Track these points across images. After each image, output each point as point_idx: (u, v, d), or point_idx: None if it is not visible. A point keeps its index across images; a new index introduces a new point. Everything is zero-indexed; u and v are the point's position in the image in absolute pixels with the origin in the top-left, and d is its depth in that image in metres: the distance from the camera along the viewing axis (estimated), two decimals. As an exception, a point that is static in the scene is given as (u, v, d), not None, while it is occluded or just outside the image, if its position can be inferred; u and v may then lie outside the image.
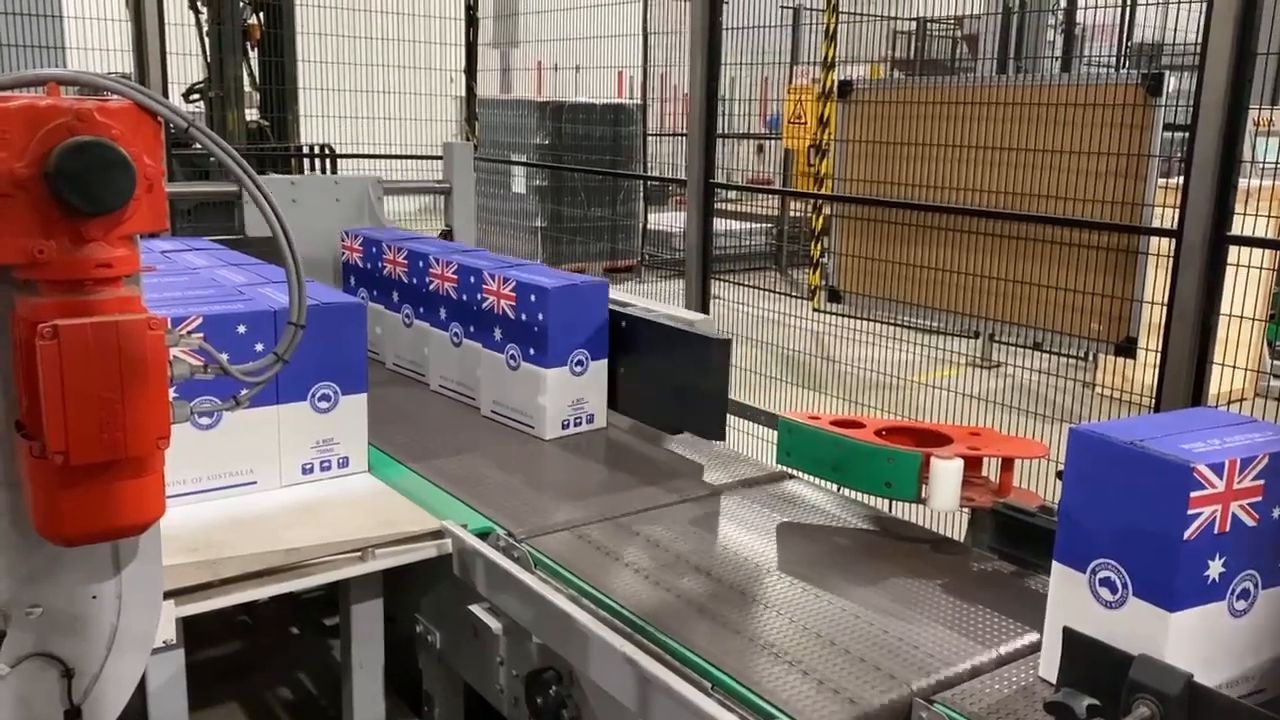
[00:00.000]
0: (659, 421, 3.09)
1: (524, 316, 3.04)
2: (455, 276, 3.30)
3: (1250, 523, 1.66)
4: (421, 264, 3.47)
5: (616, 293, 3.27)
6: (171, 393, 1.59)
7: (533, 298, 3.01)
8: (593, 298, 3.09)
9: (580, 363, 3.04)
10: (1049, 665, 1.80)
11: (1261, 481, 1.65)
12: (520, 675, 2.19)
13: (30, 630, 1.64)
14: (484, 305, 3.18)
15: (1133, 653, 1.58)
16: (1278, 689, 1.77)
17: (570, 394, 3.05)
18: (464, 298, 3.27)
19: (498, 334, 3.14)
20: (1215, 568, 1.65)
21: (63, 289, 1.49)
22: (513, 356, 3.10)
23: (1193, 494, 1.59)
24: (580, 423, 3.08)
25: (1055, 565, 1.78)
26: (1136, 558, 1.66)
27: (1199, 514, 1.60)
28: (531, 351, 3.04)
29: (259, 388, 1.77)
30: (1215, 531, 1.63)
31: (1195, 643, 1.65)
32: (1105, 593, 1.71)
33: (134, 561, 1.70)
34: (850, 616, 2.05)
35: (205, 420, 2.46)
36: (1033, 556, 2.28)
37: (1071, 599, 1.75)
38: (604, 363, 3.09)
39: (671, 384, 2.99)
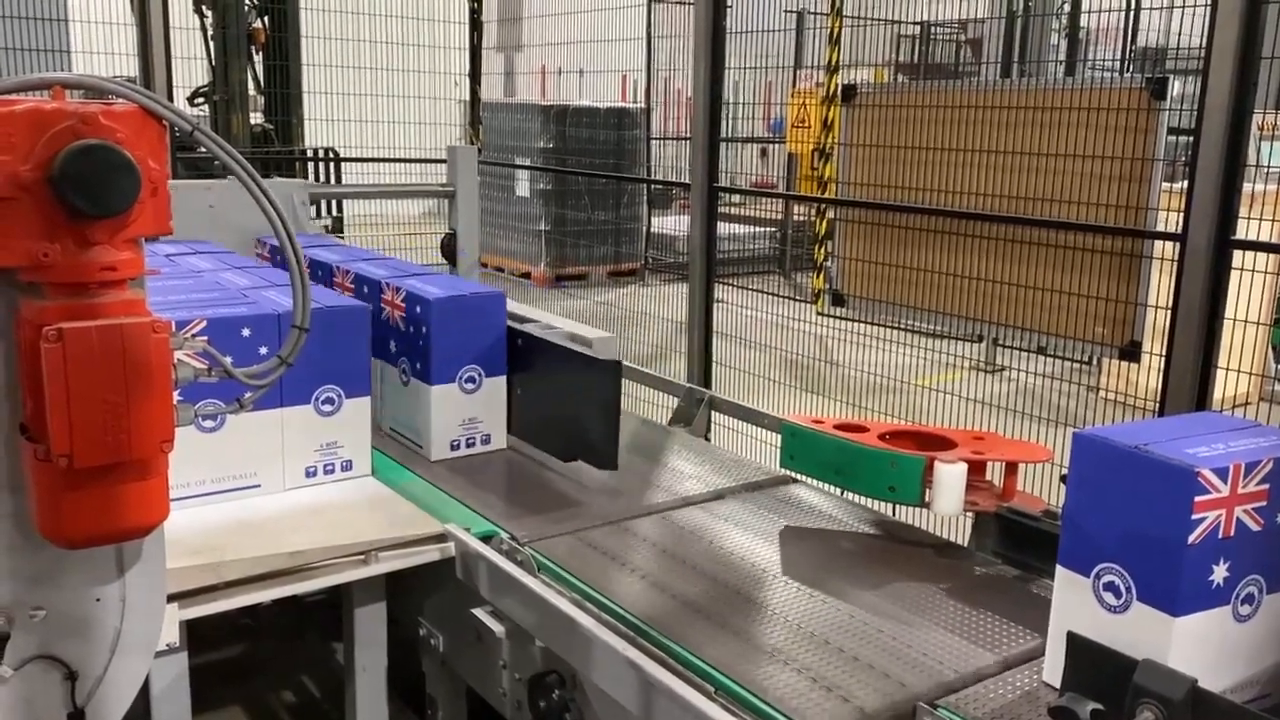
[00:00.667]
0: (550, 447, 2.86)
1: (411, 329, 2.86)
2: (353, 286, 3.13)
3: (1255, 527, 1.65)
4: (322, 273, 3.30)
5: (566, 302, 3.15)
6: (175, 396, 1.60)
7: (418, 309, 2.81)
8: (486, 310, 2.86)
9: (472, 379, 2.83)
10: (1053, 670, 1.80)
11: (1266, 486, 1.65)
12: (523, 679, 2.19)
13: (34, 633, 1.64)
14: (382, 316, 2.97)
15: (1137, 658, 1.58)
16: (1283, 694, 1.77)
17: (460, 413, 2.85)
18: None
19: (392, 347, 2.96)
20: (1219, 572, 1.65)
21: (67, 292, 1.50)
22: (404, 371, 2.92)
23: (1197, 498, 1.58)
24: (474, 443, 2.88)
25: (1059, 570, 1.78)
26: (1140, 562, 1.66)
27: (1203, 518, 1.59)
28: (418, 366, 2.85)
29: (263, 391, 1.78)
30: (1219, 536, 1.62)
31: (1199, 648, 1.64)
32: (1109, 597, 1.70)
33: (137, 564, 1.71)
34: (854, 621, 2.04)
35: (209, 423, 2.45)
36: (1037, 561, 2.27)
37: (1075, 603, 1.74)
38: (502, 380, 2.89)
39: (563, 408, 2.81)
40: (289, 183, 4.54)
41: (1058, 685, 1.74)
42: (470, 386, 2.84)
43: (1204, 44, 3.18)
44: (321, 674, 3.42)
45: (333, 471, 2.66)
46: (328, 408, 2.62)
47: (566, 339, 2.87)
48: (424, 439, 2.87)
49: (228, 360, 1.72)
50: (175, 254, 3.34)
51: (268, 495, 2.56)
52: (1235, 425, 1.81)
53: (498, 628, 2.24)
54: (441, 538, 2.37)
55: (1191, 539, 1.59)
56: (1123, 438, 1.69)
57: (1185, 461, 1.60)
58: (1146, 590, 1.65)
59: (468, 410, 2.86)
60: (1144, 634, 1.64)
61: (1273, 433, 1.79)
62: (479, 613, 2.28)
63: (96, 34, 7.12)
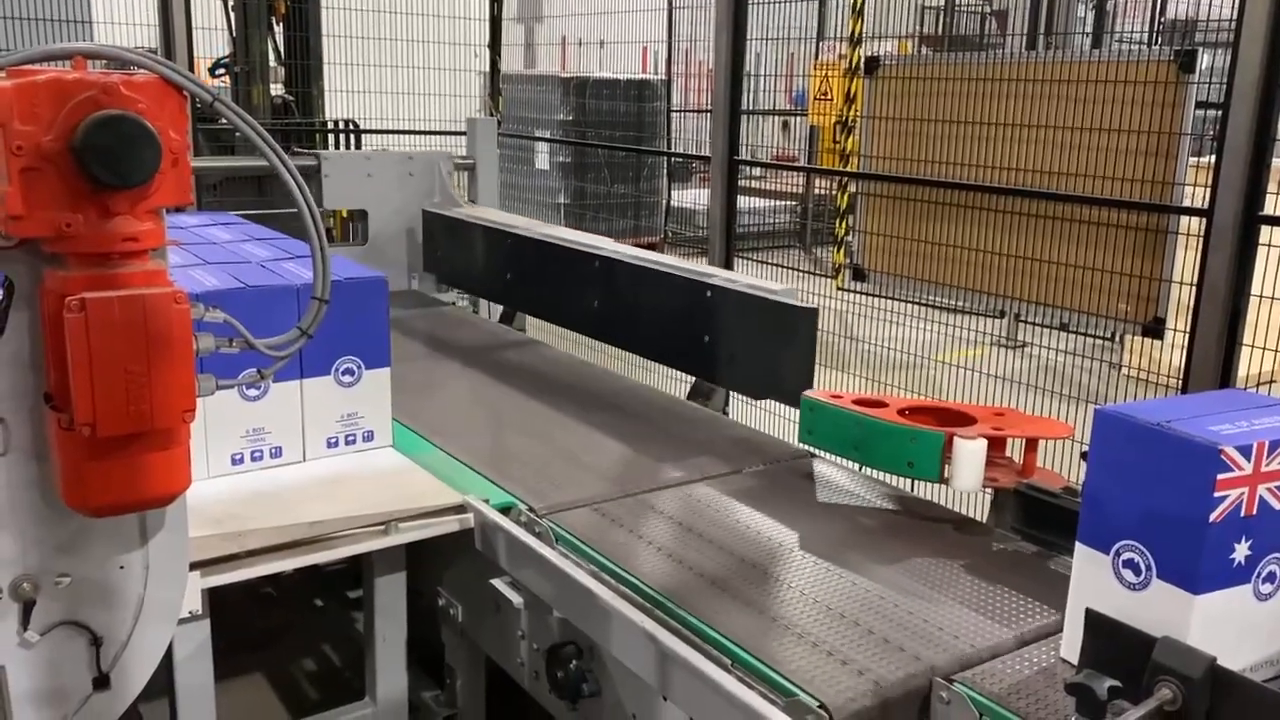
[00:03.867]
0: (741, 386, 3.18)
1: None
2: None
3: (1277, 506, 1.64)
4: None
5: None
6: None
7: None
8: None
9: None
10: (1070, 647, 1.80)
11: None
12: (541, 649, 2.20)
13: (59, 599, 1.66)
14: None
15: (1156, 635, 1.57)
16: (1304, 674, 1.76)
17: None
18: None
19: None
20: (1241, 551, 1.63)
21: (90, 262, 1.50)
22: None
23: (1219, 476, 1.57)
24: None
25: (1078, 546, 1.77)
26: (1161, 540, 1.65)
27: (1225, 496, 1.58)
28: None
29: (283, 362, 1.78)
30: (1241, 514, 1.61)
31: (1219, 626, 1.63)
32: (1129, 574, 1.69)
33: (161, 533, 1.72)
34: (872, 596, 2.05)
35: (253, 392, 2.47)
36: (1056, 538, 2.26)
37: (1094, 580, 1.74)
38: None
39: (757, 352, 2.99)
40: (434, 154, 4.75)
41: (1075, 662, 1.74)
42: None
43: (1235, 16, 3.12)
44: (341, 643, 3.46)
45: (354, 442, 2.68)
46: (348, 379, 2.64)
47: (753, 290, 2.99)
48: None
49: (248, 331, 1.73)
50: (197, 225, 3.35)
51: (289, 465, 2.58)
52: (1260, 403, 1.79)
53: (516, 598, 2.25)
54: (461, 509, 2.38)
55: (1213, 517, 1.58)
56: (1145, 414, 1.67)
57: (1208, 439, 1.58)
58: (1166, 568, 1.64)
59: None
60: (1163, 612, 1.63)
61: (1270, 403, 1.77)
62: (498, 583, 2.30)
63: (117, 4, 7.12)
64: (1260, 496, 1.62)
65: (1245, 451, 1.58)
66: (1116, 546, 1.71)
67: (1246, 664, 1.69)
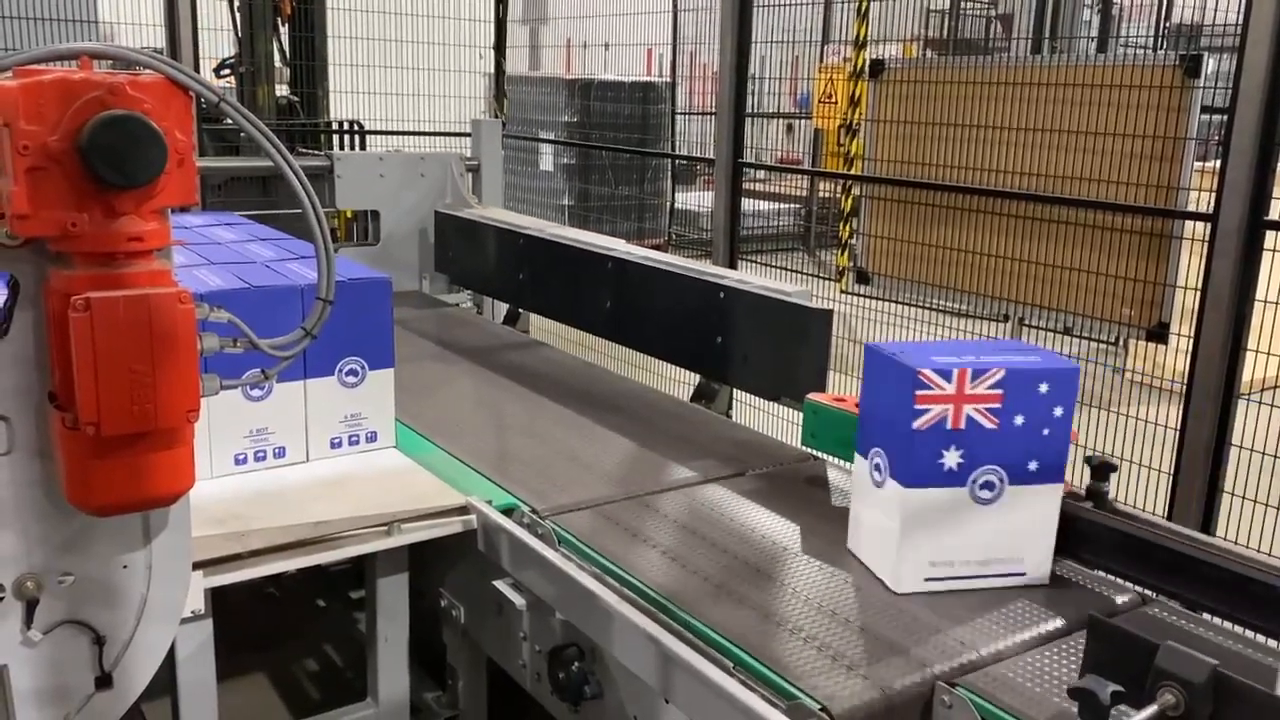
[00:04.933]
0: (753, 387, 3.20)
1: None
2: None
3: (988, 425, 2.00)
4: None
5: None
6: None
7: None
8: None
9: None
10: (854, 540, 2.23)
11: (1000, 392, 1.98)
12: (543, 651, 2.20)
13: (62, 598, 1.67)
14: None
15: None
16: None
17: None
18: None
19: None
20: (952, 457, 2.00)
21: (95, 262, 1.51)
22: None
23: (918, 392, 1.95)
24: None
25: (856, 456, 2.19)
26: (890, 445, 2.05)
27: (927, 410, 1.97)
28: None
29: (287, 363, 1.79)
30: (948, 426, 1.98)
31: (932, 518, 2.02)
32: (875, 474, 2.11)
33: (164, 532, 1.73)
34: (874, 598, 2.04)
35: (257, 393, 2.48)
36: (1059, 542, 2.26)
37: (861, 482, 2.18)
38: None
39: (770, 353, 3.02)
40: (446, 154, 4.81)
41: (853, 550, 2.22)
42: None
43: (1241, 20, 3.12)
44: (344, 643, 3.46)
45: (357, 443, 2.68)
46: (352, 379, 2.64)
47: (766, 291, 3.00)
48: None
49: (252, 331, 1.73)
50: (202, 225, 3.36)
51: (292, 465, 2.58)
52: (1008, 348, 2.16)
53: (518, 600, 2.25)
54: (464, 510, 2.38)
55: (917, 425, 1.97)
56: (893, 349, 2.06)
57: (913, 363, 1.96)
58: (894, 469, 2.04)
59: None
60: (892, 505, 2.03)
61: (1032, 350, 2.13)
62: (500, 585, 2.30)
63: (124, 4, 7.13)
64: (967, 414, 1.98)
65: (945, 374, 1.95)
66: (871, 452, 2.12)
67: (954, 558, 2.06)
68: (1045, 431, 2.03)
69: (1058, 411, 2.03)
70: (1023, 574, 2.09)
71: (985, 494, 2.04)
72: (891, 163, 4.58)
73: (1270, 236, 3.20)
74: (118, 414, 1.50)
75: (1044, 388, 2.02)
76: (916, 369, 1.94)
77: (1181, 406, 3.40)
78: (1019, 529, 2.06)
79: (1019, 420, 2.01)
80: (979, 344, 2.27)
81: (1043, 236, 4.02)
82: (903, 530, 2.03)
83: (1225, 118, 3.22)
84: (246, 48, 6.21)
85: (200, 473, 1.76)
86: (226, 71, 6.37)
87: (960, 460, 2.00)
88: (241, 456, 2.52)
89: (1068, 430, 2.06)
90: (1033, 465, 2.04)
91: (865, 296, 5.16)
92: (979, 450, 2.00)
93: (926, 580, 2.07)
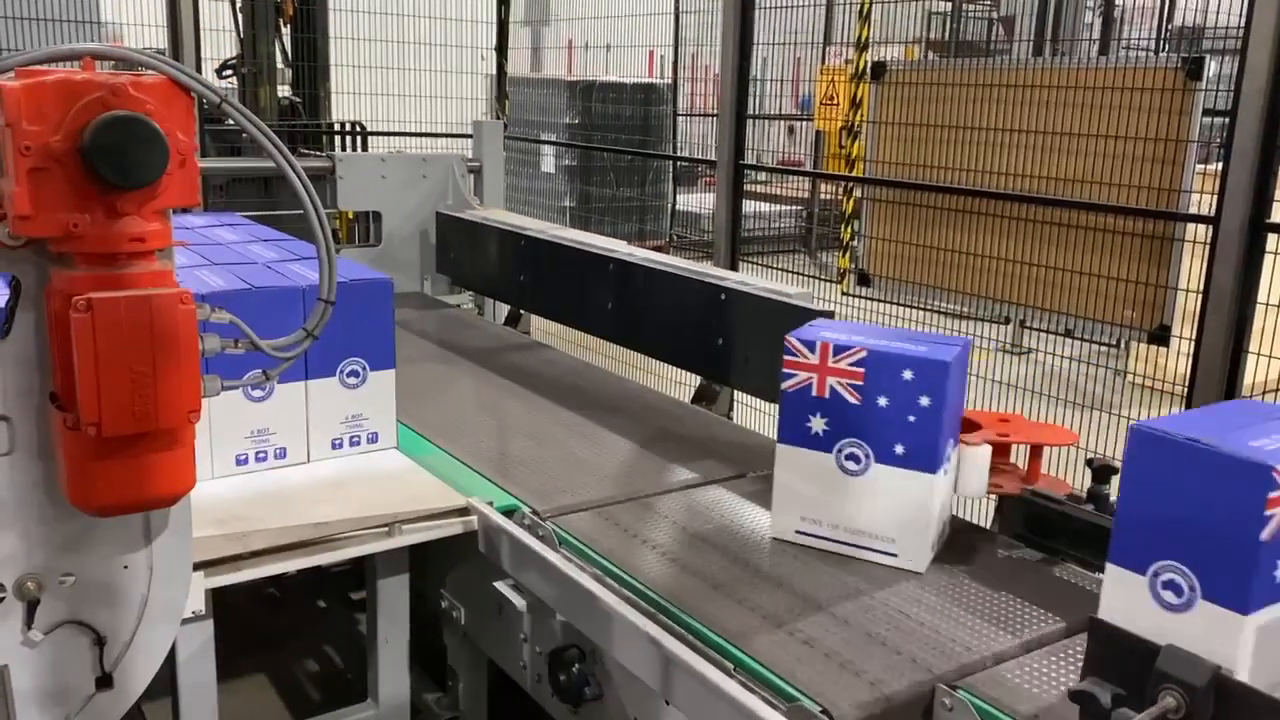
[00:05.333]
0: (756, 390, 3.13)
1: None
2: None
3: (852, 400, 2.02)
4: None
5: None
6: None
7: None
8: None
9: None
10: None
11: (861, 370, 2.00)
12: (544, 652, 2.20)
13: (63, 599, 1.67)
14: None
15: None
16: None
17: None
18: None
19: None
20: (818, 424, 2.05)
21: (96, 262, 1.51)
22: None
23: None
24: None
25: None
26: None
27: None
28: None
29: (289, 363, 1.79)
30: (813, 394, 2.01)
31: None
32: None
33: (165, 533, 1.73)
34: (875, 601, 2.04)
35: (258, 393, 2.49)
36: (1060, 545, 2.26)
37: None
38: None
39: (771, 355, 2.94)
40: (448, 155, 4.81)
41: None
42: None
43: (1243, 23, 3.12)
44: (344, 644, 3.46)
45: (358, 444, 2.68)
46: (353, 380, 2.64)
47: (767, 293, 2.98)
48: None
49: (253, 332, 1.73)
50: (204, 226, 3.36)
51: (293, 466, 2.59)
52: (908, 336, 2.13)
53: (519, 601, 2.25)
54: (464, 511, 2.38)
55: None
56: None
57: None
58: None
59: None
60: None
61: (935, 340, 2.06)
62: (501, 586, 2.30)
63: (126, 5, 7.14)
64: (830, 385, 2.02)
65: (809, 345, 1.96)
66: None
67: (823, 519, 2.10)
68: (911, 418, 2.10)
69: (924, 400, 2.09)
70: (894, 555, 2.18)
71: (851, 465, 2.18)
72: (893, 165, 4.58)
73: (1272, 239, 3.20)
74: (119, 414, 1.50)
75: (908, 374, 2.08)
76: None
77: (1183, 409, 3.40)
78: (888, 509, 2.15)
79: (882, 401, 2.12)
80: (891, 331, 2.43)
81: (1044, 239, 4.02)
82: (777, 482, 2.26)
83: (1227, 120, 3.22)
84: (248, 49, 6.22)
85: (201, 473, 1.76)
86: (229, 72, 6.38)
87: (825, 427, 2.16)
88: (242, 457, 2.52)
89: (938, 421, 2.09)
90: (899, 449, 2.12)
91: (866, 299, 5.16)
92: (842, 422, 2.14)
93: (797, 533, 2.27)
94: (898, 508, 2.15)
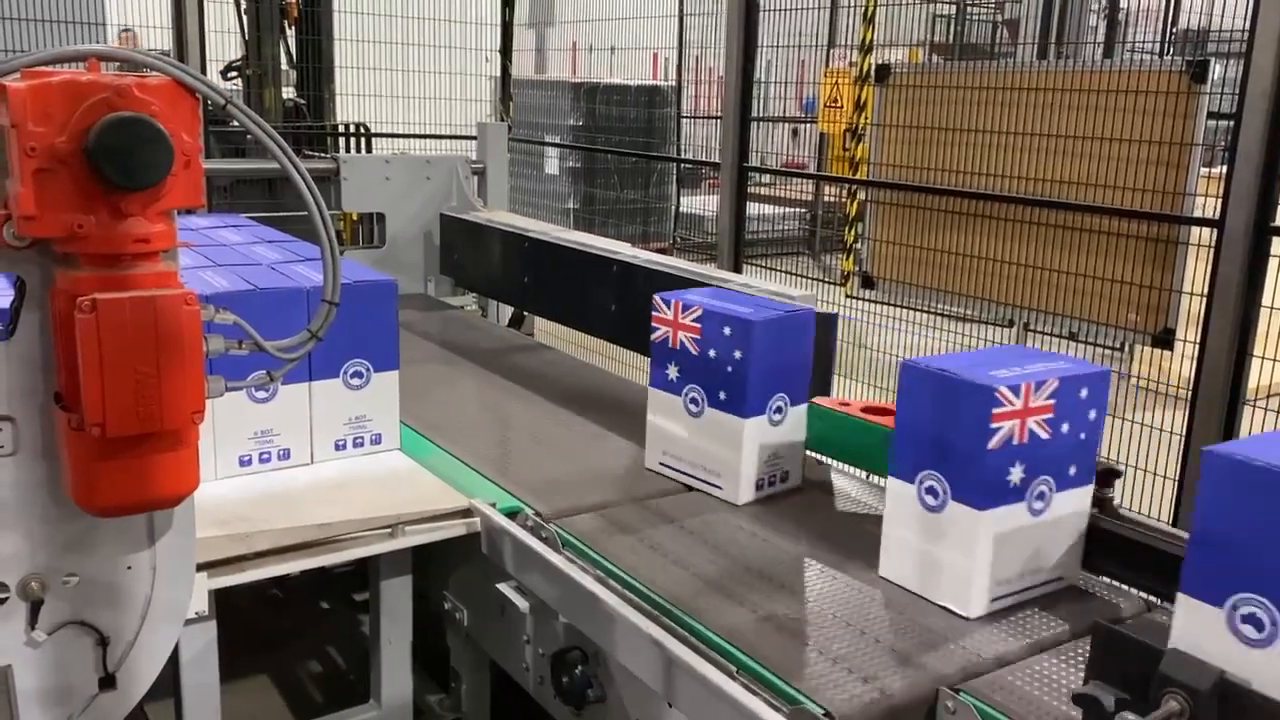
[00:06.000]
0: None
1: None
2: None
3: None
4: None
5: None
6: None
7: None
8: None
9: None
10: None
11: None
12: (546, 654, 2.20)
13: (66, 599, 1.67)
14: None
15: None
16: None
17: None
18: None
19: None
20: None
21: (101, 263, 1.51)
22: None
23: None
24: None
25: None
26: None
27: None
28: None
29: (293, 364, 1.79)
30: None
31: None
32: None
33: (168, 533, 1.73)
34: (877, 604, 2.04)
35: (262, 394, 2.49)
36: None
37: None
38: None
39: None
40: (452, 157, 4.82)
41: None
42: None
43: (1247, 26, 3.11)
44: (347, 645, 3.46)
45: (361, 445, 2.68)
46: (356, 381, 2.64)
47: (771, 295, 2.92)
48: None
49: (257, 333, 1.74)
50: (208, 227, 3.36)
51: (297, 467, 2.59)
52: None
53: (522, 603, 2.25)
54: (467, 513, 2.38)
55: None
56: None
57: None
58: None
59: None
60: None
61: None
62: (504, 588, 2.30)
63: (131, 7, 7.16)
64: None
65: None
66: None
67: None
68: (729, 369, 2.40)
69: (737, 354, 2.39)
70: (720, 488, 2.48)
71: (693, 407, 2.50)
72: (897, 167, 4.58)
73: (1276, 242, 3.20)
74: (123, 415, 1.51)
75: (727, 330, 2.39)
76: (656, 296, 2.04)
77: (1187, 412, 3.39)
78: (716, 446, 2.47)
79: (711, 353, 2.43)
80: (753, 299, 2.61)
81: (1048, 241, 4.02)
82: (649, 420, 2.57)
83: (1232, 123, 3.22)
84: (253, 50, 6.24)
85: (205, 474, 1.76)
86: (233, 74, 6.39)
87: (677, 374, 2.48)
88: (246, 458, 2.52)
89: (745, 372, 2.37)
90: (721, 395, 2.43)
91: (870, 301, 5.16)
92: (688, 370, 2.42)
93: (660, 464, 2.56)
94: (722, 445, 2.45)
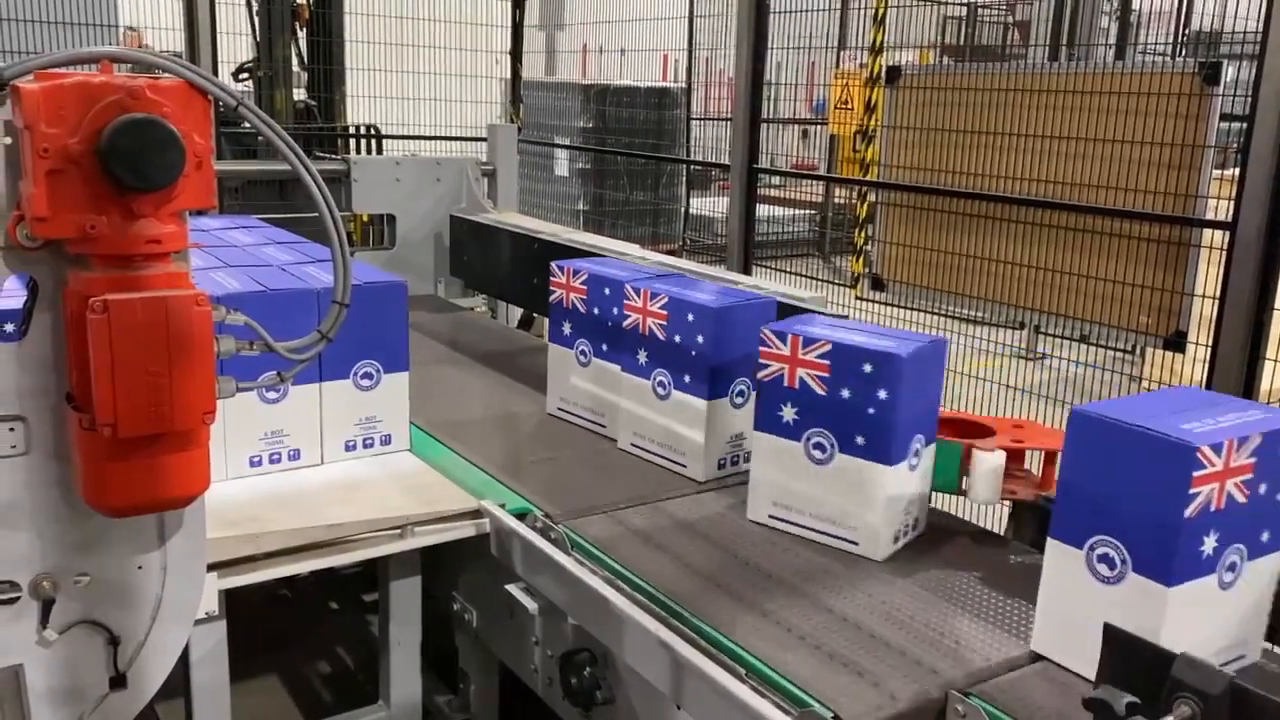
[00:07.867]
0: None
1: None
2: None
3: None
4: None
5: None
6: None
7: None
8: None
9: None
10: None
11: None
12: (555, 656, 2.20)
13: (78, 598, 1.68)
14: None
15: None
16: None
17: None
18: None
19: None
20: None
21: (113, 264, 1.52)
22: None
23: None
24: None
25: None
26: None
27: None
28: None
29: (303, 365, 1.79)
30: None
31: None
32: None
33: (179, 534, 1.73)
34: (887, 607, 2.04)
35: (272, 395, 2.50)
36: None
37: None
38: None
39: None
40: (462, 158, 4.84)
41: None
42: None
43: (1261, 28, 3.10)
44: (356, 646, 3.46)
45: (371, 446, 2.69)
46: (366, 382, 2.65)
47: (781, 297, 2.95)
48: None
49: (268, 334, 1.74)
50: (219, 228, 3.38)
51: (307, 468, 2.59)
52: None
53: (531, 604, 2.25)
54: (477, 514, 2.38)
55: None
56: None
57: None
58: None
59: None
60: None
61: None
62: (512, 589, 2.30)
63: (143, 8, 7.19)
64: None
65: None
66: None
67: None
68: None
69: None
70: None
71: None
72: (907, 169, 4.57)
73: (1289, 246, 3.18)
74: (134, 415, 1.51)
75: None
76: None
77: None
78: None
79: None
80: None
81: (1059, 244, 4.00)
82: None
83: (1245, 125, 3.21)
84: (265, 52, 6.25)
85: (215, 474, 1.76)
86: (245, 75, 6.42)
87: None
88: (256, 459, 2.53)
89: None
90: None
91: (880, 303, 5.15)
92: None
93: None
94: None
